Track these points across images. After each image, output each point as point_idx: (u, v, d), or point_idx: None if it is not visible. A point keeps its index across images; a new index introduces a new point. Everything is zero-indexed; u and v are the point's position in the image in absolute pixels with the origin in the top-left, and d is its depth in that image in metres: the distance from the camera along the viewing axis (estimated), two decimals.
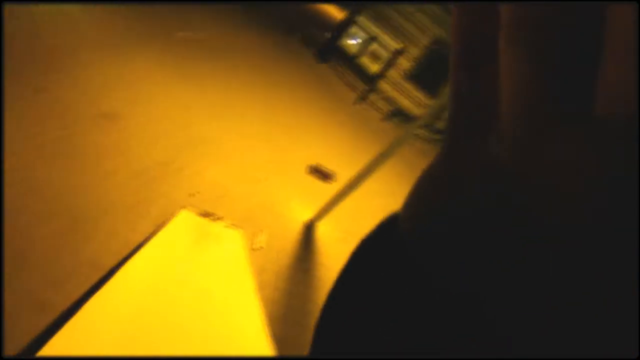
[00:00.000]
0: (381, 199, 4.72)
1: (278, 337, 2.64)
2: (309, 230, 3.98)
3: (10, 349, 1.85)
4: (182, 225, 3.10)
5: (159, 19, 6.23)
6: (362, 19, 13.78)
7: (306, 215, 4.07)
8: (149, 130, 3.73)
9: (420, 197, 0.23)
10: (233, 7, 9.24)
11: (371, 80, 8.44)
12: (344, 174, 4.75)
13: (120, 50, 4.69)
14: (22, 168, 2.62)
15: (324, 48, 8.94)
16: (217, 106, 4.98)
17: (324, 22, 14.65)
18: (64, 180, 2.74)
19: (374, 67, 12.59)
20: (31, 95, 3.24)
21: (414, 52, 14.63)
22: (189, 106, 4.53)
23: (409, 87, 13.75)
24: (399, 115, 8.11)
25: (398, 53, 11.38)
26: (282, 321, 2.86)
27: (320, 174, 4.87)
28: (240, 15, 9.47)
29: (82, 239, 2.48)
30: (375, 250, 0.26)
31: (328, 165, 5.09)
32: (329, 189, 4.42)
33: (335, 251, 3.85)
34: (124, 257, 2.50)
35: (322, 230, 4.02)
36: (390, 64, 11.00)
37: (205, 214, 3.36)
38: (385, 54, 13.35)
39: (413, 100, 12.27)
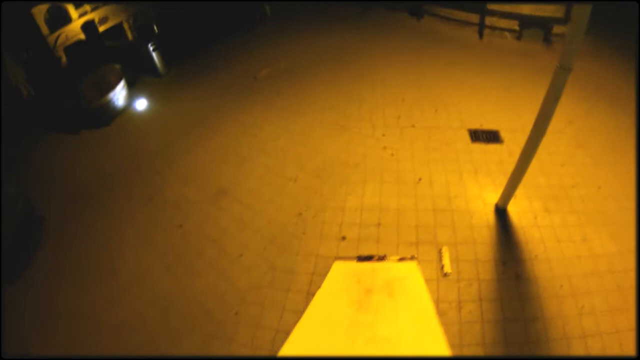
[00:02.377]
0: (564, 156, 4.55)
1: None
2: (501, 218, 3.96)
3: None
4: (340, 280, 3.58)
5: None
6: None
7: (490, 197, 4.12)
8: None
9: None
10: None
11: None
12: (506, 126, 4.89)
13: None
14: None
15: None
16: None
17: None
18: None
19: None
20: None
21: None
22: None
23: None
24: (529, 25, 7.16)
25: None
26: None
27: (485, 135, 4.87)
28: None
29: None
30: None
31: (486, 124, 5.10)
32: (502, 156, 4.52)
33: (539, 236, 3.82)
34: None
35: (515, 214, 4.00)
36: None
37: (363, 258, 3.74)
38: None
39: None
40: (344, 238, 3.96)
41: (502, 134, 4.84)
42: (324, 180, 4.59)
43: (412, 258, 3.68)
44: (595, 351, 3.11)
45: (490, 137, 4.80)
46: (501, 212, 3.96)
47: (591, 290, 3.42)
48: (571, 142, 4.78)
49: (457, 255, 3.70)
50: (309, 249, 3.92)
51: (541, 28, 7.07)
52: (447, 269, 3.57)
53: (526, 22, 7.16)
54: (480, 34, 7.49)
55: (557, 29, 6.92)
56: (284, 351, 3.06)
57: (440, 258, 3.67)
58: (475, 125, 5.06)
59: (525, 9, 7.29)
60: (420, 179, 4.37)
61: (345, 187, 4.45)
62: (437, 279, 3.58)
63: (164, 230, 4.29)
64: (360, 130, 5.29)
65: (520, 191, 3.99)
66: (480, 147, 4.70)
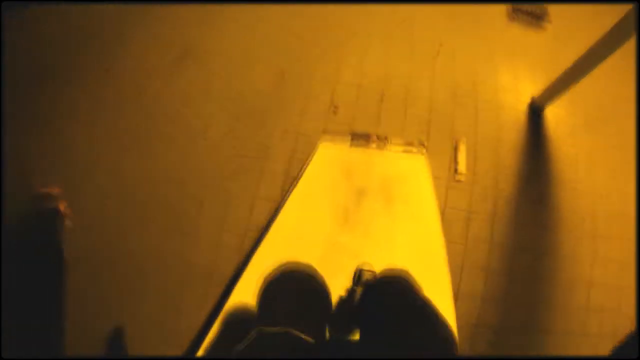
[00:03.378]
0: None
1: None
2: (535, 121, 2.92)
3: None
4: (325, 171, 2.44)
5: None
6: None
7: (526, 90, 3.02)
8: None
9: None
10: None
11: None
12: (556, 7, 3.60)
13: None
14: None
15: None
16: None
17: None
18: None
19: None
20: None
21: None
22: None
23: None
24: None
25: None
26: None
27: (527, 14, 3.55)
28: None
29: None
30: None
31: None
32: (548, 43, 3.34)
33: (573, 155, 2.87)
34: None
35: (552, 121, 2.97)
36: None
37: (359, 137, 2.56)
38: None
39: None
40: (335, 109, 2.62)
41: (551, 14, 3.59)
42: (310, 43, 3.06)
43: (420, 145, 2.47)
44: (593, 301, 2.49)
45: (537, 11, 3.53)
46: (536, 113, 2.89)
47: (612, 235, 2.71)
48: None
49: (475, 154, 2.60)
50: (289, 124, 2.65)
51: None
52: (462, 168, 2.47)
53: None
54: None
55: None
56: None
57: (455, 153, 2.52)
58: None
59: None
60: (439, 52, 3.01)
61: (340, 53, 2.99)
62: (448, 178, 2.47)
63: (119, 105, 2.85)
64: None
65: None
66: (518, 29, 3.44)
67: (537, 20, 3.50)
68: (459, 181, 2.50)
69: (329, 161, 2.41)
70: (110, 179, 2.46)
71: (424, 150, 2.51)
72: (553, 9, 3.63)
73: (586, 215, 2.68)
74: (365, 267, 1.96)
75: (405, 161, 2.47)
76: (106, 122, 2.64)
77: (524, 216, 2.56)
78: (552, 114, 2.91)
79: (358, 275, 1.92)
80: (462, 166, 2.47)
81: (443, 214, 2.42)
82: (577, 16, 3.71)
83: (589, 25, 3.70)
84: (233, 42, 3.02)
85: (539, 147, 2.78)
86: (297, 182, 2.34)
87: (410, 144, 2.49)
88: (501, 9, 3.58)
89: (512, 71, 3.05)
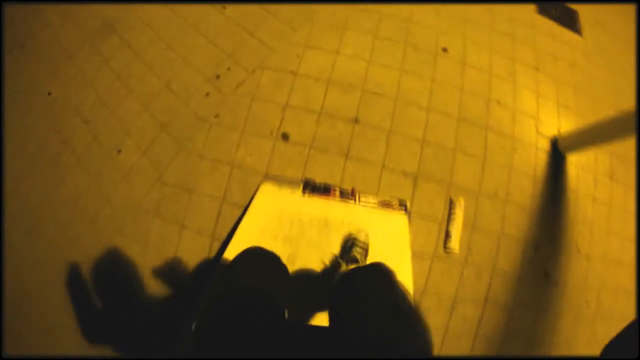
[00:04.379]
0: None
1: None
2: (555, 167, 2.17)
3: None
4: (265, 228, 1.61)
5: None
6: None
7: (548, 120, 2.26)
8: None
9: None
10: None
11: None
12: (588, 10, 2.83)
13: None
14: None
15: None
16: None
17: None
18: None
19: None
20: None
21: None
22: None
23: None
24: None
25: None
26: None
27: (558, 11, 2.72)
28: None
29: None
30: None
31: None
32: (577, 57, 2.52)
33: (591, 214, 2.21)
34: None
35: (574, 168, 2.24)
36: None
37: (315, 188, 1.68)
38: None
39: None
40: (285, 137, 1.77)
41: (582, 20, 2.76)
42: (272, 10, 2.26)
43: (401, 206, 1.68)
44: None
45: (566, 16, 2.68)
46: (557, 156, 2.16)
47: (613, 315, 2.20)
48: None
49: (476, 215, 1.86)
50: (222, 148, 1.80)
51: None
52: (454, 244, 1.75)
53: None
54: None
55: None
56: None
57: (448, 220, 1.77)
58: None
59: None
60: (445, 49, 2.12)
61: (306, 32, 2.13)
62: (433, 255, 1.73)
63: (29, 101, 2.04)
64: None
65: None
66: (548, 27, 2.57)
67: (568, 22, 2.64)
68: (448, 251, 1.79)
69: (272, 212, 1.60)
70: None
71: (405, 212, 1.73)
72: (585, 14, 2.78)
73: (591, 295, 2.12)
74: (361, 237, 1.60)
75: (379, 218, 1.70)
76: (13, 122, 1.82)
77: (523, 298, 1.94)
78: (575, 157, 2.20)
79: (349, 246, 1.56)
80: (454, 242, 1.74)
81: (421, 300, 1.74)
82: (609, 22, 2.90)
83: (622, 33, 2.94)
84: (164, 25, 2.12)
85: (555, 204, 2.09)
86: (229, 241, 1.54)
87: (387, 204, 1.69)
88: (529, 8, 2.67)
89: (534, 88, 2.24)
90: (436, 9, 2.29)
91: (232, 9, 2.21)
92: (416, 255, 1.71)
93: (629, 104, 2.60)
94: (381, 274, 0.96)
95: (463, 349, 1.83)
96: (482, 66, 2.13)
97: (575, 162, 2.21)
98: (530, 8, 2.60)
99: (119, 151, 1.78)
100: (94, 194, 1.74)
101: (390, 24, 2.18)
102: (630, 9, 3.22)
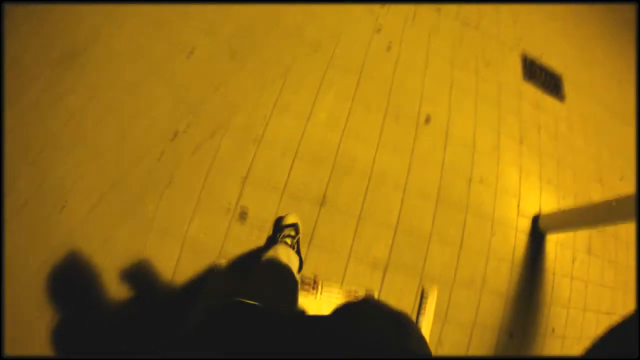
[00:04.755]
0: None
1: None
2: (534, 247, 2.10)
3: None
4: None
5: None
6: None
7: (529, 199, 2.21)
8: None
9: None
10: None
11: None
12: (571, 74, 2.85)
13: None
14: None
15: None
16: None
17: None
18: None
19: None
20: None
21: None
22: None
23: None
24: None
25: None
26: None
27: (543, 75, 2.68)
28: None
29: None
30: None
31: (547, 58, 2.86)
32: (560, 127, 2.51)
33: (567, 293, 2.17)
34: None
35: (553, 246, 2.17)
36: None
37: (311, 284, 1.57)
38: None
39: None
40: (243, 216, 1.65)
41: (566, 85, 2.72)
42: (241, 63, 2.06)
43: (368, 296, 1.57)
44: None
45: (550, 82, 2.65)
46: (537, 236, 2.09)
47: None
48: None
49: (449, 305, 1.77)
50: (174, 219, 1.63)
51: None
52: (424, 336, 1.64)
53: None
54: None
55: None
56: None
57: (419, 310, 1.67)
58: (534, 52, 2.76)
59: None
60: (428, 118, 2.03)
61: (278, 89, 1.96)
62: None
63: None
64: None
65: (566, 200, 2.21)
66: (533, 92, 2.52)
67: (552, 88, 2.60)
68: None
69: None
70: None
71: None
72: (568, 79, 2.75)
73: None
74: (289, 221, 1.62)
75: None
76: None
77: None
78: (554, 236, 2.14)
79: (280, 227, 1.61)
80: (424, 331, 1.65)
81: None
82: (591, 85, 2.89)
83: (602, 96, 2.93)
84: (128, 65, 1.91)
85: (532, 286, 2.02)
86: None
87: (353, 294, 1.58)
88: (516, 57, 2.62)
89: (517, 163, 2.17)
90: (422, 71, 2.20)
91: (199, 57, 2.03)
92: None
93: (608, 172, 2.57)
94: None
95: None
96: (465, 139, 2.05)
97: (554, 239, 2.15)
98: (517, 73, 2.54)
99: (63, 207, 1.61)
100: (34, 252, 1.56)
101: (372, 87, 2.06)
102: (612, 71, 3.23)
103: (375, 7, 2.44)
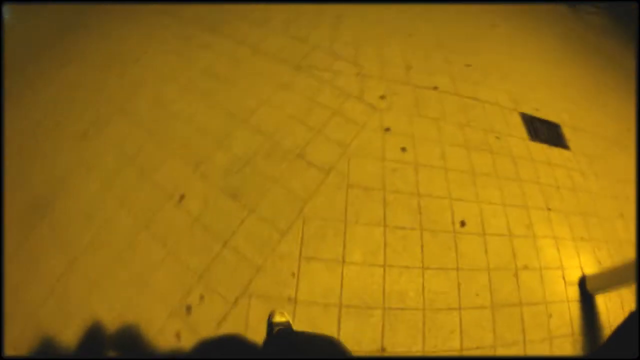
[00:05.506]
0: None
1: None
2: (587, 314, 2.10)
3: None
4: None
5: None
6: None
7: (570, 264, 2.22)
8: None
9: None
10: None
11: None
12: (567, 119, 2.98)
13: None
14: None
15: None
16: None
17: None
18: None
19: None
20: None
21: None
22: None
23: None
24: None
25: None
26: None
27: (545, 130, 2.79)
28: None
29: None
30: None
31: (544, 111, 2.96)
32: (574, 175, 2.58)
33: None
34: None
35: (604, 309, 2.15)
36: None
37: None
38: None
39: None
40: (188, 308, 1.63)
41: (565, 132, 2.86)
42: (246, 204, 1.93)
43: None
44: None
45: (552, 134, 2.79)
46: (587, 298, 2.19)
47: None
48: None
49: None
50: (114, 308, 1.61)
51: None
52: None
53: None
54: None
55: None
56: None
57: None
58: (528, 108, 2.90)
59: None
60: (463, 223, 2.10)
61: (297, 235, 1.86)
62: None
63: None
64: (333, 79, 2.56)
65: (602, 252, 2.31)
66: (542, 150, 2.65)
67: (555, 140, 2.73)
68: None
69: None
70: None
71: None
72: (566, 126, 2.90)
73: None
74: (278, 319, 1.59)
75: None
76: None
77: None
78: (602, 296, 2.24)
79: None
80: None
81: None
82: (587, 124, 3.04)
83: (600, 130, 3.06)
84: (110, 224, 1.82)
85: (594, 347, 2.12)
86: None
87: None
88: (516, 117, 2.75)
89: (551, 235, 2.27)
90: (443, 167, 2.29)
91: (193, 203, 1.82)
92: None
93: (626, 204, 2.69)
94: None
95: None
96: (501, 230, 2.15)
97: (602, 296, 2.25)
98: (523, 135, 2.66)
99: None
100: None
101: (400, 206, 2.08)
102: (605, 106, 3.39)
103: (374, 100, 2.53)
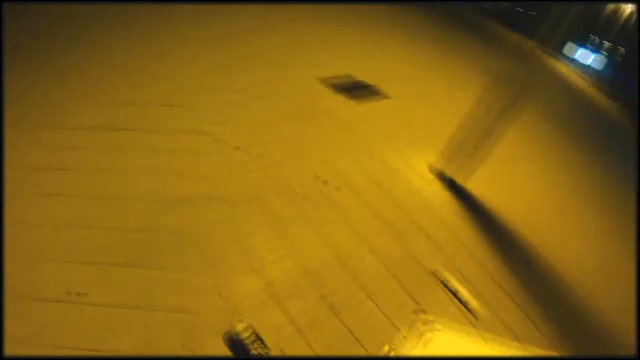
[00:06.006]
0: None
1: None
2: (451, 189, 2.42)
3: None
4: None
5: None
6: None
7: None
8: None
9: None
10: None
11: None
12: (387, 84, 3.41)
13: None
14: None
15: None
16: None
17: None
18: None
19: None
20: None
21: None
22: None
23: None
24: None
25: None
26: None
27: (359, 91, 3.22)
28: None
29: None
30: None
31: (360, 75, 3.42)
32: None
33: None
34: None
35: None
36: None
37: None
38: None
39: None
40: None
41: (375, 86, 3.43)
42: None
43: None
44: None
45: (367, 90, 3.32)
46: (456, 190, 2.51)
47: None
48: None
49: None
50: None
51: None
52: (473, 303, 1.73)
53: None
54: None
55: None
56: None
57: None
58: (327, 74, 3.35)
59: None
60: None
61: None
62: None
63: None
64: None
65: None
66: (363, 107, 3.05)
67: (372, 93, 3.25)
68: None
69: None
70: None
71: None
72: (382, 83, 3.55)
73: None
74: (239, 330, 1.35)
75: None
76: None
77: None
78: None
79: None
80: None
81: None
82: (403, 82, 3.71)
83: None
84: None
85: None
86: None
87: None
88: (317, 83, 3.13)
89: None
90: None
91: None
92: None
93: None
94: None
95: None
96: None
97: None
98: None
99: None
100: None
101: None
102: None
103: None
